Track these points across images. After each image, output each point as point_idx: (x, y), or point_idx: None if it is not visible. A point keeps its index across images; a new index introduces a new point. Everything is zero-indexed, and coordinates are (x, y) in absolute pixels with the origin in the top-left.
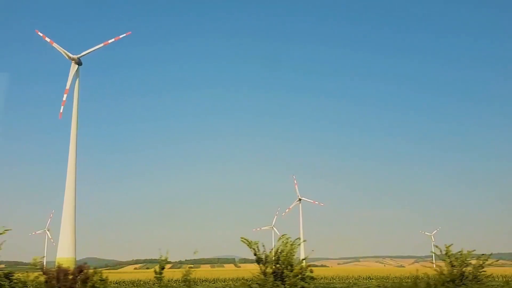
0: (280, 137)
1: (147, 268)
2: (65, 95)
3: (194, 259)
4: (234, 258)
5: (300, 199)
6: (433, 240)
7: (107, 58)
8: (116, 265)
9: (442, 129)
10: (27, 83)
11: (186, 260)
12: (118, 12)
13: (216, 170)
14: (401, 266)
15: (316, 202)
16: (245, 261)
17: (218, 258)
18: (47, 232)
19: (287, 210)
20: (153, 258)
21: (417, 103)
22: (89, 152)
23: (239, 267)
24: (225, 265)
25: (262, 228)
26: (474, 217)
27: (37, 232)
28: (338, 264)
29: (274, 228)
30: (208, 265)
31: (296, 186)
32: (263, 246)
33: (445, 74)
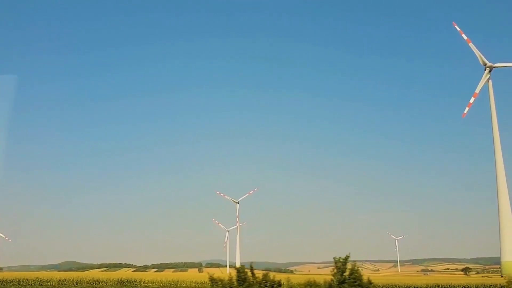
0: (278, 137)
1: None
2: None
3: (160, 264)
4: (201, 263)
5: (238, 202)
6: (396, 244)
7: (109, 59)
8: (85, 268)
9: (438, 130)
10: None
11: (152, 264)
12: (117, 12)
13: (204, 172)
14: (377, 270)
15: (251, 192)
16: (211, 265)
17: (184, 263)
18: None
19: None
20: (117, 262)
21: (416, 103)
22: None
23: (202, 271)
24: (189, 269)
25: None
26: (452, 221)
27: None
28: (319, 268)
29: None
30: (171, 270)
31: (225, 197)
32: None
33: (448, 75)
